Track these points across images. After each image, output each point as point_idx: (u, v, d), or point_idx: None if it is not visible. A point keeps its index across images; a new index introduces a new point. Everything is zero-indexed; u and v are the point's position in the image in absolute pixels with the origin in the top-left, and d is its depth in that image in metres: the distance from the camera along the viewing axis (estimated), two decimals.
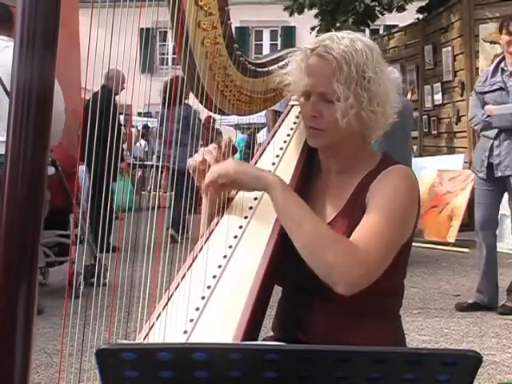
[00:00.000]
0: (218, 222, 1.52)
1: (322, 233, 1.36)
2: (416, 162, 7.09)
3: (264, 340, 1.56)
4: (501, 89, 4.09)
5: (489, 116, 4.09)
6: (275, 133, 1.74)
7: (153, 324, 1.34)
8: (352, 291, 1.32)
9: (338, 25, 10.24)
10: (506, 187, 4.17)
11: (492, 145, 4.13)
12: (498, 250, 4.43)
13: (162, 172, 5.86)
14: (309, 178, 1.60)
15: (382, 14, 10.84)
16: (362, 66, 1.42)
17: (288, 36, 20.01)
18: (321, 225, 1.38)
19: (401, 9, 10.57)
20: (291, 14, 10.97)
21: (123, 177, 5.51)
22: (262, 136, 11.77)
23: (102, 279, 3.83)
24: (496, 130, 4.12)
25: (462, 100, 8.06)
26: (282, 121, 1.77)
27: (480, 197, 4.31)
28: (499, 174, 4.11)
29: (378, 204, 1.41)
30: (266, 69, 1.67)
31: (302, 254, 1.35)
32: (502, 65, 4.12)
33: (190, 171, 1.55)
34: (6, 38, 3.89)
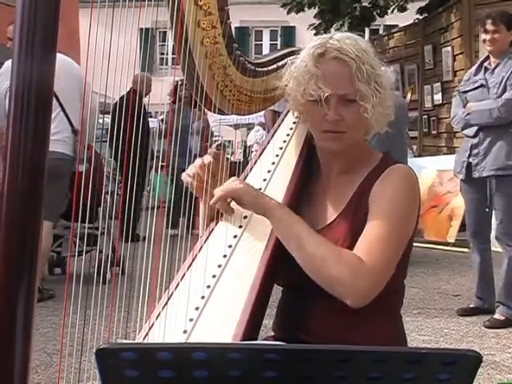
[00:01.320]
0: (217, 222, 1.52)
1: (324, 250, 1.37)
2: (416, 161, 7.10)
3: (265, 340, 1.56)
4: (482, 86, 4.07)
5: (469, 114, 4.05)
6: (275, 132, 1.74)
7: (152, 324, 1.34)
8: (362, 303, 1.35)
9: (334, 25, 10.23)
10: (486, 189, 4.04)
11: (472, 144, 4.06)
12: (497, 249, 4.33)
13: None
14: (309, 178, 1.60)
15: (380, 16, 10.83)
16: (372, 64, 1.45)
17: (288, 36, 20.00)
18: (322, 242, 1.38)
19: (402, 8, 10.56)
20: (289, 12, 10.93)
21: (158, 172, 5.65)
22: (251, 139, 11.74)
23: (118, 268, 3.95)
24: (475, 128, 4.05)
25: None
26: (282, 120, 1.77)
27: (467, 203, 4.25)
28: (476, 174, 4.02)
29: (381, 209, 1.42)
30: (265, 68, 1.67)
31: (307, 272, 1.37)
32: (486, 63, 4.10)
33: (185, 184, 1.56)
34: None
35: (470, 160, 4.06)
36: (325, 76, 1.44)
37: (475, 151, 4.04)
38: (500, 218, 4.01)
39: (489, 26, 4.05)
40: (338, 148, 1.49)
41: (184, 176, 1.57)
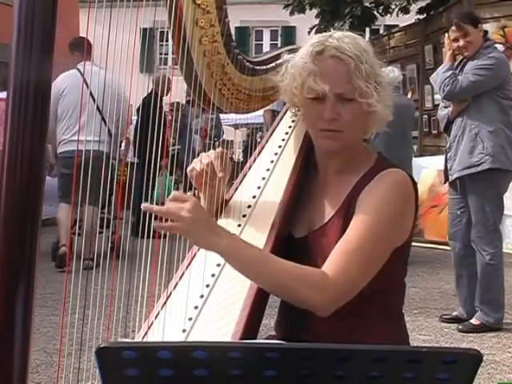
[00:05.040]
0: (216, 221, 1.51)
1: (283, 276, 1.34)
2: (416, 161, 7.08)
3: (267, 339, 1.56)
4: None
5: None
6: (273, 131, 1.74)
7: (151, 323, 1.34)
8: (329, 313, 1.36)
9: (336, 25, 10.24)
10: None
11: (446, 148, 4.06)
12: (507, 251, 4.20)
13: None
14: (307, 176, 1.60)
15: (382, 16, 10.84)
16: (371, 62, 1.45)
17: (288, 36, 19.99)
18: (281, 268, 1.35)
19: (405, 10, 10.57)
20: (291, 13, 10.94)
21: (162, 173, 5.81)
22: None
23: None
24: (444, 122, 4.05)
25: None
26: (280, 119, 1.77)
27: (449, 205, 4.20)
28: (451, 177, 3.98)
29: (362, 216, 1.40)
30: (264, 67, 1.67)
31: (273, 295, 1.39)
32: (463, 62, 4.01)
33: (189, 178, 1.56)
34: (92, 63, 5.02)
35: (447, 164, 4.04)
36: (322, 74, 1.43)
37: (449, 155, 4.02)
38: (474, 221, 3.89)
39: (456, 34, 3.88)
40: (335, 147, 1.48)
41: (189, 169, 1.56)
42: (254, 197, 1.54)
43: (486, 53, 3.88)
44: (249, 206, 1.51)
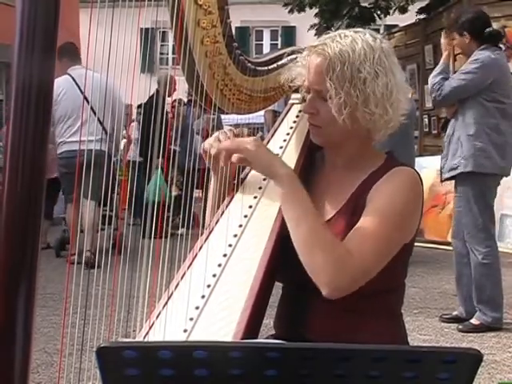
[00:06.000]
0: (217, 221, 1.52)
1: (317, 235, 1.36)
2: (416, 161, 7.08)
3: (267, 338, 1.56)
4: None
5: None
6: (275, 131, 1.74)
7: (153, 323, 1.34)
8: (336, 296, 1.34)
9: (335, 25, 10.27)
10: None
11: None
12: (499, 249, 4.24)
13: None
14: (309, 175, 1.60)
15: (380, 18, 10.87)
16: (357, 66, 1.41)
17: (288, 36, 20.00)
18: (319, 227, 1.38)
19: (403, 9, 10.58)
20: (290, 12, 10.97)
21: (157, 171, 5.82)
22: None
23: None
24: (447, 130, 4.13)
25: None
26: (282, 119, 1.77)
27: (453, 204, 4.25)
28: (443, 176, 4.06)
29: (377, 207, 1.41)
30: (265, 68, 1.67)
31: (297, 250, 1.37)
32: None
33: (202, 154, 1.54)
34: (81, 66, 5.53)
35: (441, 163, 4.11)
36: (308, 68, 1.48)
37: (442, 155, 4.10)
38: (464, 222, 3.92)
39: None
40: (317, 141, 1.53)
41: (206, 146, 1.53)
42: (256, 197, 1.54)
43: (473, 56, 3.88)
44: (250, 207, 1.51)
